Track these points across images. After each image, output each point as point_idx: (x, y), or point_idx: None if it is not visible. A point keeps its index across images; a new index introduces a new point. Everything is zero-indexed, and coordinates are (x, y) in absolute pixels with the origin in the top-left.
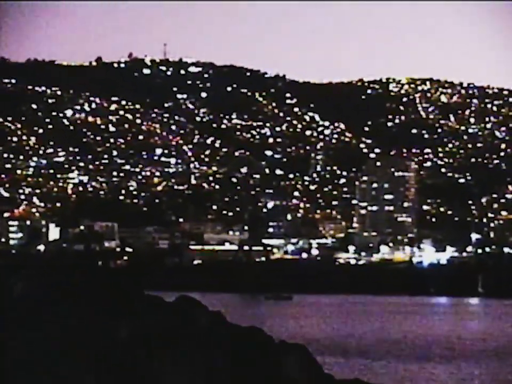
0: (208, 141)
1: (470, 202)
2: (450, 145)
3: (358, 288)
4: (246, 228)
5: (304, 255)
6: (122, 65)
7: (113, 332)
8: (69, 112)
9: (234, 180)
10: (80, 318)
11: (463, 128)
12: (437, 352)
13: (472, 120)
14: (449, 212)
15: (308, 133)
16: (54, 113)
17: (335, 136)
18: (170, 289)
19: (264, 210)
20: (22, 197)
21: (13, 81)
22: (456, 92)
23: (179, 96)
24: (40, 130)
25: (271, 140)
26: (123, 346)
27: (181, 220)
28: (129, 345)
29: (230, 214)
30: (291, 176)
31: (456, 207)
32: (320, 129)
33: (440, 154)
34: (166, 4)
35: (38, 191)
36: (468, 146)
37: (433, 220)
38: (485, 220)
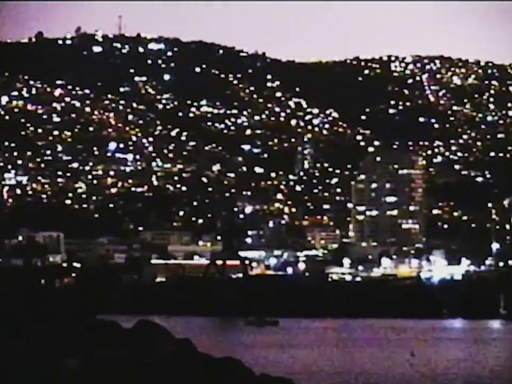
0: (173, 133)
1: (490, 205)
2: (465, 137)
3: (355, 310)
4: (219, 237)
5: (290, 270)
6: (68, 41)
7: (59, 365)
8: (3, 99)
9: (204, 179)
10: (19, 352)
11: (480, 115)
12: None
13: (491, 106)
14: (465, 217)
15: (293, 122)
16: None
17: (326, 126)
18: (128, 313)
19: (241, 216)
20: None
21: None
22: (471, 72)
23: (137, 79)
24: None
25: (248, 131)
26: (70, 382)
27: (140, 228)
28: (78, 380)
29: (200, 221)
30: (273, 175)
31: (473, 211)
32: (308, 117)
33: (453, 148)
34: None
35: None
36: (486, 138)
37: (445, 226)
38: (507, 227)
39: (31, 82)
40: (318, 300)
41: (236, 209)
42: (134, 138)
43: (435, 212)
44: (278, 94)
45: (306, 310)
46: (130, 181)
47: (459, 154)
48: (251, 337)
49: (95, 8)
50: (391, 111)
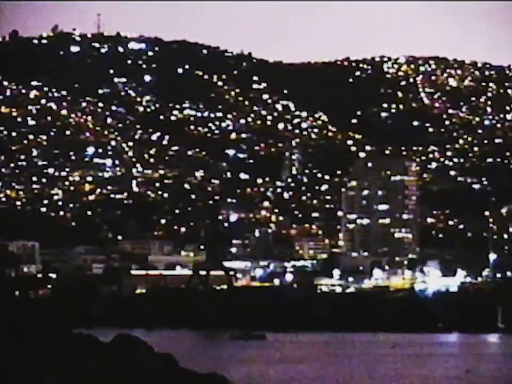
0: (154, 137)
1: (487, 213)
2: (461, 141)
3: (345, 324)
4: (202, 247)
5: (277, 282)
6: (44, 41)
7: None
8: None
9: (187, 186)
10: None
11: (477, 119)
12: None
13: (488, 109)
14: (461, 226)
15: (281, 126)
16: None
17: (315, 130)
18: (106, 326)
19: (226, 224)
20: None
21: None
22: (468, 74)
23: (116, 80)
24: None
25: (233, 136)
26: None
27: (119, 237)
28: None
29: (182, 229)
30: (259, 181)
31: (469, 219)
32: (296, 121)
33: (449, 153)
34: None
35: None
36: (483, 142)
37: (440, 236)
38: (505, 236)
39: (5, 83)
40: (307, 313)
41: (220, 217)
42: (113, 142)
43: (429, 220)
44: (265, 96)
45: (294, 324)
46: (109, 187)
47: (455, 160)
48: (237, 352)
49: (73, 6)
50: (383, 114)
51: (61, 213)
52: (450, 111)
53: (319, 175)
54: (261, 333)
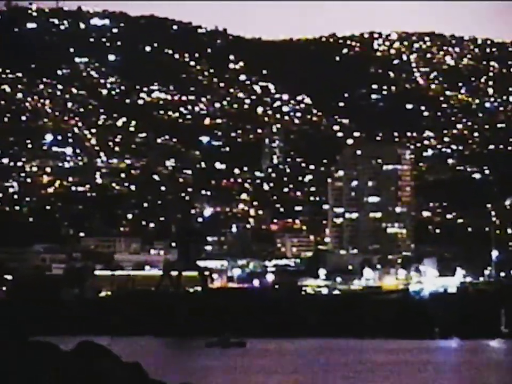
0: (119, 123)
1: (489, 206)
2: (459, 126)
3: (333, 328)
4: (173, 244)
5: (256, 283)
6: None
7: None
8: None
9: (156, 177)
10: None
11: (477, 101)
12: None
13: (490, 90)
14: (460, 220)
15: (260, 110)
16: None
17: (298, 114)
18: (68, 333)
19: (200, 219)
20: None
21: None
22: (467, 51)
23: (77, 60)
24: None
25: (207, 121)
26: None
27: (82, 234)
28: None
29: (152, 225)
30: (237, 171)
31: (470, 213)
32: (276, 104)
33: (446, 139)
34: None
35: None
36: (484, 127)
37: (437, 231)
38: (509, 231)
39: None
40: (290, 318)
41: (193, 211)
42: (74, 129)
43: (425, 214)
44: (242, 77)
45: (276, 329)
46: (70, 179)
47: (453, 146)
48: (213, 361)
49: None
50: (373, 96)
51: (17, 207)
52: (447, 92)
53: (303, 164)
54: (240, 340)
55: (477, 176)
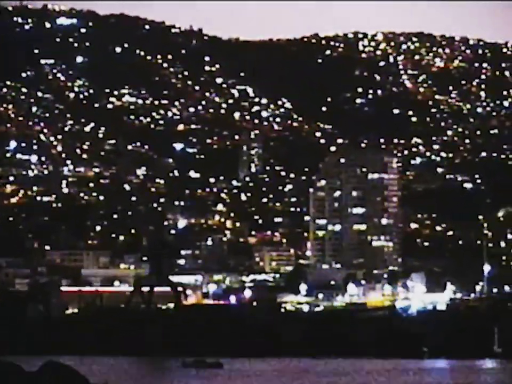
0: (87, 129)
1: (481, 217)
2: (449, 133)
3: (314, 348)
4: (145, 258)
5: (233, 299)
6: None
7: None
8: None
9: (126, 186)
10: None
11: (468, 106)
12: None
13: (482, 94)
14: (450, 233)
15: (237, 115)
16: None
17: (278, 120)
18: (32, 353)
19: (173, 232)
20: None
21: None
22: (457, 53)
23: (43, 61)
24: None
25: (181, 127)
26: None
27: (47, 247)
28: None
29: (121, 237)
30: (212, 180)
31: (460, 224)
32: (255, 109)
33: (435, 146)
34: None
35: None
36: (476, 134)
37: (426, 244)
38: (502, 244)
39: None
40: (269, 336)
41: (165, 223)
42: (40, 135)
43: (413, 226)
44: (219, 80)
45: (254, 349)
46: (34, 188)
47: (442, 154)
48: (188, 383)
49: None
50: (358, 101)
51: None
52: (437, 96)
53: (283, 173)
54: (217, 360)
55: (468, 185)
